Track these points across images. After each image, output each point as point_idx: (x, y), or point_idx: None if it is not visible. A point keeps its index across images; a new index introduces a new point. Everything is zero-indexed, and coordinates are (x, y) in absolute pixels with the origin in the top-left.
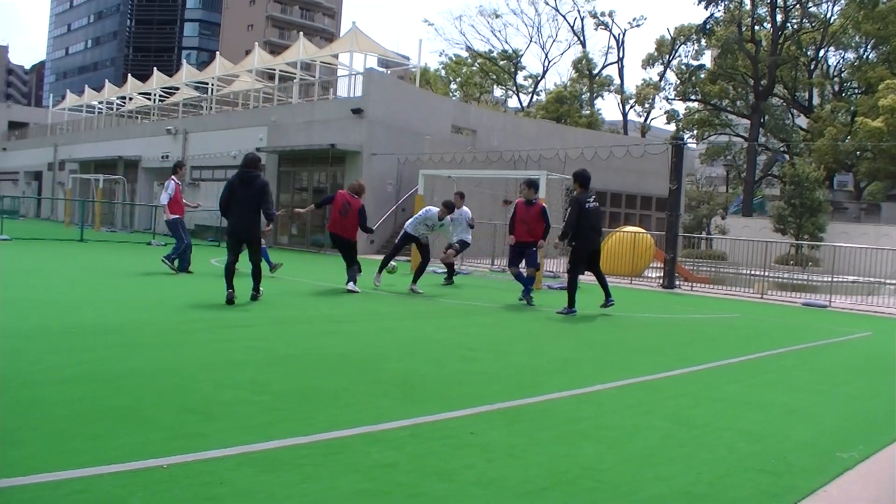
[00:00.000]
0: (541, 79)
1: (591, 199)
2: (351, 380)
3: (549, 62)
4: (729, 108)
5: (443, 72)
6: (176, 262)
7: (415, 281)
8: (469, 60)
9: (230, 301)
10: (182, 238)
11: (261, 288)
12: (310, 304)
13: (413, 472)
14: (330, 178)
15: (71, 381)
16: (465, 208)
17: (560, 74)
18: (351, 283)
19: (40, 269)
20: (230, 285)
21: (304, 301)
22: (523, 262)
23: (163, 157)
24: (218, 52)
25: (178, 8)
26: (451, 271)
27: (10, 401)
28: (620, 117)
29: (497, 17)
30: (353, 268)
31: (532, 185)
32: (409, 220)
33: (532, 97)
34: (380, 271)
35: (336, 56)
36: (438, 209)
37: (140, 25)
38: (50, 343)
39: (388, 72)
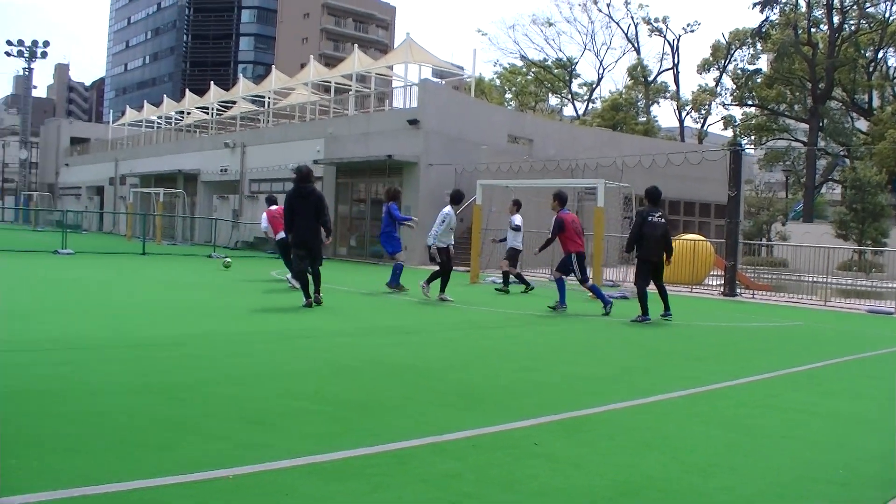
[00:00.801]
0: (596, 86)
1: (657, 214)
2: (414, 390)
3: (604, 70)
4: (786, 113)
5: (497, 81)
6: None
7: (443, 290)
8: (523, 69)
9: (309, 305)
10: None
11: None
12: (371, 314)
13: (477, 483)
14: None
15: (137, 391)
16: (516, 215)
17: (615, 82)
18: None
19: (104, 281)
20: (308, 293)
21: (365, 312)
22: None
23: (221, 170)
24: (273, 66)
25: (234, 22)
26: (507, 279)
27: (78, 411)
28: (677, 124)
29: (550, 25)
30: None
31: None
32: (432, 234)
33: (587, 105)
34: (428, 282)
35: (391, 67)
36: (448, 207)
37: (196, 41)
38: (116, 354)
39: (443, 82)
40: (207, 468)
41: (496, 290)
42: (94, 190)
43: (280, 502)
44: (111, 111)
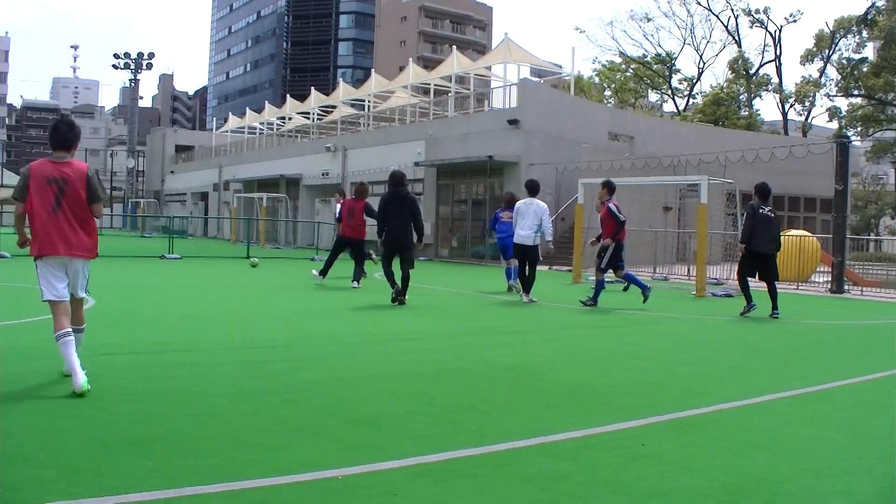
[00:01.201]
0: (696, 81)
1: (767, 209)
2: (520, 390)
3: (704, 64)
4: (895, 102)
5: (596, 79)
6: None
7: (528, 291)
8: (622, 66)
9: (395, 299)
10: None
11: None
12: (475, 315)
13: (585, 484)
14: (488, 190)
15: (247, 393)
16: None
17: (716, 76)
18: (355, 282)
19: (211, 285)
20: (393, 283)
21: (469, 313)
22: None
23: (323, 174)
24: (373, 70)
25: (332, 28)
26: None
27: (192, 412)
28: (780, 117)
29: (648, 20)
30: (360, 267)
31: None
32: (550, 231)
33: (688, 100)
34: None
35: (489, 68)
36: (538, 202)
37: (296, 47)
38: (226, 357)
39: (542, 81)
40: (317, 468)
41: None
42: (199, 196)
43: (388, 503)
44: (214, 119)
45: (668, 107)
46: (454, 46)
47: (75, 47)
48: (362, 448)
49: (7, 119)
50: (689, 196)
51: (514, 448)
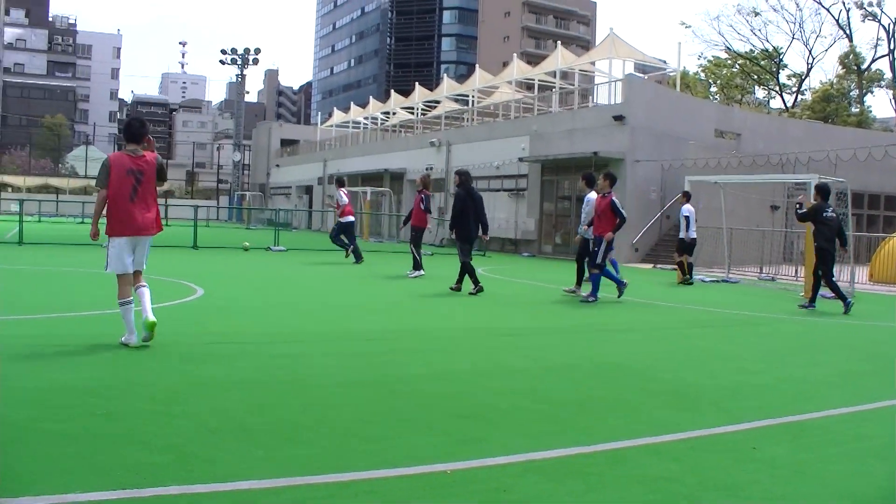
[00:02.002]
0: (805, 77)
1: (830, 209)
2: (627, 389)
3: (814, 59)
4: None
5: (702, 74)
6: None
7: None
8: (729, 62)
9: (480, 290)
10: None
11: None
12: (580, 313)
13: (696, 486)
14: None
15: (355, 384)
16: (688, 206)
17: (825, 71)
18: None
19: (315, 277)
20: (477, 279)
21: (573, 310)
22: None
23: (427, 168)
24: (477, 65)
25: (436, 24)
26: (684, 269)
27: (302, 402)
28: (893, 113)
29: (756, 14)
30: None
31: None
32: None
33: (796, 97)
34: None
35: (593, 63)
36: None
37: (399, 43)
38: (332, 347)
39: (646, 77)
40: (425, 462)
41: (679, 283)
42: (304, 189)
43: (497, 499)
44: (319, 113)
45: (776, 103)
46: (558, 42)
47: (183, 44)
48: (470, 443)
49: (118, 113)
50: (797, 195)
51: (623, 447)
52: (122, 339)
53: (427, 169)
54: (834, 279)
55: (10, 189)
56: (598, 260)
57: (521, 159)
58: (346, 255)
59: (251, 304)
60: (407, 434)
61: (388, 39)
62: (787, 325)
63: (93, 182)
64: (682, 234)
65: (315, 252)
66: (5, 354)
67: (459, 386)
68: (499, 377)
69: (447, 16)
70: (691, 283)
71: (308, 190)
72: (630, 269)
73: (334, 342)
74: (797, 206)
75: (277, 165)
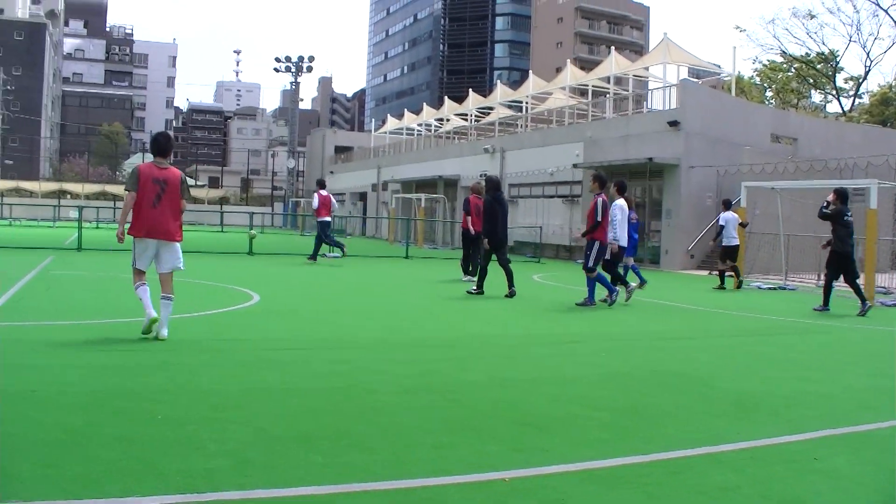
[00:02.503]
0: (863, 80)
1: (849, 213)
2: (685, 397)
3: (871, 62)
4: None
5: (757, 79)
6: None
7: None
8: (784, 65)
9: (481, 293)
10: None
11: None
12: (635, 320)
13: (756, 497)
14: (647, 193)
15: (412, 391)
16: (730, 213)
17: (883, 74)
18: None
19: (370, 283)
20: (482, 284)
21: (628, 317)
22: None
23: (481, 175)
24: (530, 71)
25: (488, 30)
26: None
27: (359, 408)
28: None
29: (812, 17)
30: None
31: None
32: (617, 232)
33: (854, 100)
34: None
35: (647, 68)
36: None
37: (452, 49)
38: (388, 354)
39: (700, 82)
40: (484, 470)
41: (714, 288)
42: (358, 196)
43: None
44: (372, 120)
45: (833, 107)
46: (612, 47)
47: (238, 52)
48: (528, 451)
49: (174, 121)
50: (856, 201)
51: (683, 457)
52: (146, 320)
53: (480, 176)
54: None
55: (69, 196)
56: (590, 264)
57: (575, 165)
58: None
59: (307, 309)
60: (465, 442)
61: (441, 46)
62: (846, 333)
63: None
64: (724, 241)
65: (370, 258)
66: (63, 359)
67: (517, 393)
68: (556, 384)
69: (500, 22)
70: (739, 288)
71: (362, 196)
72: (685, 275)
73: (390, 348)
74: (824, 204)
75: (332, 172)
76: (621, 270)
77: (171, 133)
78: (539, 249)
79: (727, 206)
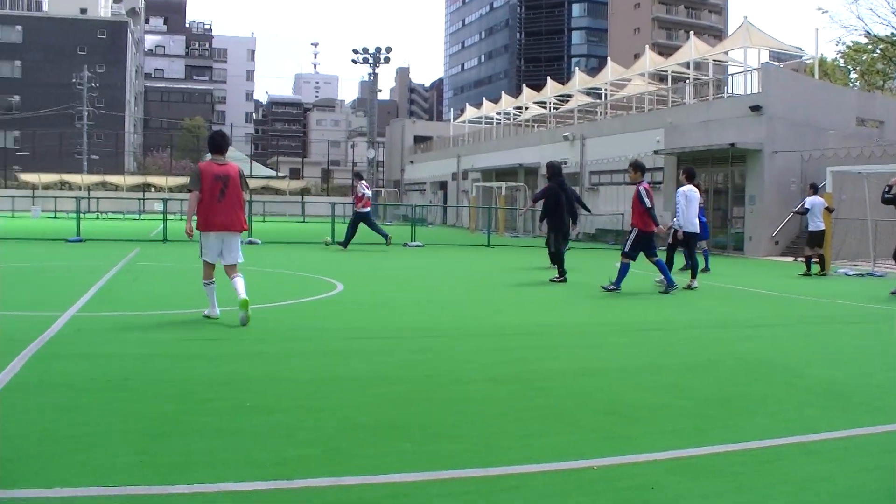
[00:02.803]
0: None
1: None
2: (774, 386)
3: None
4: None
5: (841, 61)
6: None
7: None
8: (869, 46)
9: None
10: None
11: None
12: (721, 307)
13: (852, 489)
14: (730, 178)
15: (499, 379)
16: (817, 197)
17: None
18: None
19: (453, 272)
20: (563, 270)
21: (714, 304)
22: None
23: (562, 162)
24: (608, 58)
25: (565, 17)
26: (810, 263)
27: (446, 397)
28: None
29: None
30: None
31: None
32: (683, 218)
33: None
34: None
35: (727, 53)
36: (689, 186)
37: (529, 37)
38: (476, 343)
39: (781, 65)
40: (572, 458)
41: (800, 275)
42: (438, 185)
43: (644, 497)
44: (451, 109)
45: None
46: (691, 32)
47: (315, 44)
48: (616, 439)
49: (254, 114)
50: None
51: (773, 446)
52: (205, 312)
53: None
54: None
55: (153, 189)
56: (627, 249)
57: (655, 152)
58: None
59: (391, 298)
60: (552, 430)
61: (518, 34)
62: None
63: None
64: (810, 227)
65: (451, 247)
66: (154, 349)
67: (603, 382)
68: (642, 373)
69: (576, 9)
70: (824, 276)
71: (442, 185)
72: (769, 262)
73: (474, 337)
74: (886, 188)
75: (411, 162)
76: (701, 257)
77: (253, 126)
78: (621, 236)
79: (814, 189)
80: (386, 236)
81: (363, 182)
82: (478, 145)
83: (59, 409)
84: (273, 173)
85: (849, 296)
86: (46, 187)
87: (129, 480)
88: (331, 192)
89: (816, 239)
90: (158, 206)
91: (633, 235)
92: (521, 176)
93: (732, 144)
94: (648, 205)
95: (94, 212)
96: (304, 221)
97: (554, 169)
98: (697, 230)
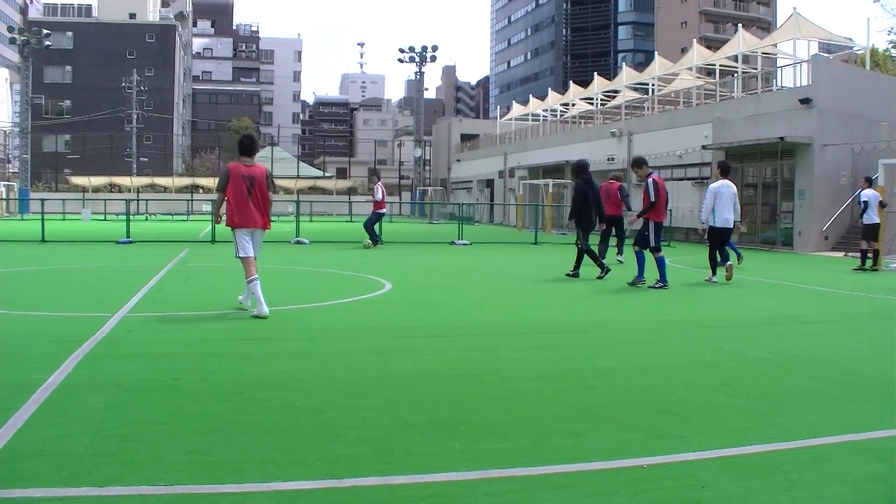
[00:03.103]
0: None
1: None
2: (826, 383)
3: None
4: None
5: (893, 51)
6: None
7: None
8: None
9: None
10: None
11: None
12: (770, 303)
13: None
14: (779, 173)
15: (547, 378)
16: (871, 191)
17: None
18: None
19: (500, 270)
20: (602, 264)
21: (764, 300)
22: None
23: (608, 159)
24: (655, 52)
25: (611, 12)
26: (865, 257)
27: (495, 396)
28: None
29: None
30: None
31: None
32: (711, 211)
33: None
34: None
35: (776, 45)
36: (721, 181)
37: (575, 33)
38: (521, 341)
39: (832, 57)
40: (622, 456)
41: (853, 269)
42: (485, 183)
43: (696, 496)
44: (497, 107)
45: None
46: (739, 24)
47: (361, 44)
48: (666, 438)
49: (301, 114)
50: None
51: (825, 444)
52: (254, 312)
53: (609, 160)
54: None
55: (201, 190)
56: (653, 244)
57: (704, 147)
58: (366, 246)
59: (438, 297)
60: (602, 428)
61: (564, 31)
62: None
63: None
64: (865, 220)
65: (499, 245)
66: (204, 348)
67: (653, 380)
68: (692, 371)
69: (622, 4)
70: (876, 271)
71: (489, 184)
72: (820, 257)
73: (522, 335)
74: None
75: (458, 160)
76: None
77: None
78: (669, 233)
79: (869, 182)
80: (376, 240)
81: (380, 184)
82: (524, 143)
83: (109, 408)
84: (320, 173)
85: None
86: (96, 190)
87: (178, 479)
88: None
89: (872, 232)
90: (206, 208)
91: (650, 228)
92: (569, 173)
93: (782, 138)
94: (652, 199)
95: (142, 213)
96: (350, 221)
97: (580, 166)
98: (727, 225)
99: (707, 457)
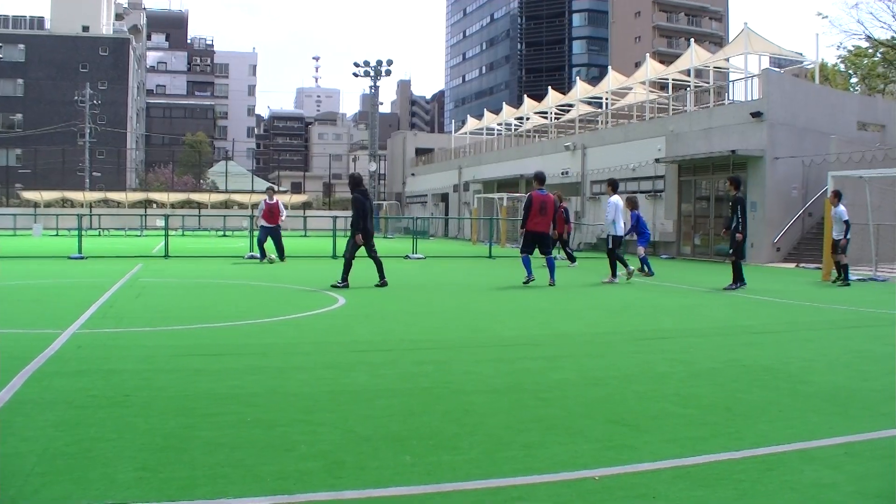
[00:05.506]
0: None
1: None
2: (777, 393)
3: None
4: None
5: (841, 66)
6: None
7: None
8: (870, 51)
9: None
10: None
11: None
12: (723, 315)
13: (855, 495)
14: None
15: (500, 390)
16: (841, 207)
17: None
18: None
19: (454, 283)
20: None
21: (716, 312)
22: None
23: (562, 173)
24: (609, 66)
25: (566, 27)
26: (841, 271)
27: (447, 409)
28: None
29: None
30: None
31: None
32: (616, 225)
33: None
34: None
35: (728, 59)
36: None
37: (530, 48)
38: (475, 354)
39: (782, 71)
40: (574, 468)
41: (836, 283)
42: (439, 197)
43: None
44: (452, 121)
45: None
46: (691, 39)
47: (316, 58)
48: (618, 448)
49: (256, 129)
50: None
51: (775, 453)
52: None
53: (563, 174)
54: None
55: (155, 205)
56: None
57: (657, 160)
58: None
59: (392, 311)
60: (554, 440)
61: (519, 45)
62: None
63: (232, 196)
64: (836, 235)
65: (453, 259)
66: (154, 364)
67: (606, 391)
68: (645, 381)
69: (577, 19)
70: (848, 285)
71: (444, 197)
72: (771, 268)
73: (476, 348)
74: None
75: (413, 174)
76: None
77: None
78: (625, 245)
79: (838, 197)
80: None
81: (268, 199)
82: (479, 157)
83: (58, 425)
84: (275, 188)
85: (850, 301)
86: (48, 205)
87: (129, 496)
88: (332, 206)
89: (843, 247)
90: (160, 223)
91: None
92: (524, 186)
93: (734, 151)
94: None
95: (95, 229)
96: (305, 235)
97: (354, 179)
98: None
99: (659, 467)
